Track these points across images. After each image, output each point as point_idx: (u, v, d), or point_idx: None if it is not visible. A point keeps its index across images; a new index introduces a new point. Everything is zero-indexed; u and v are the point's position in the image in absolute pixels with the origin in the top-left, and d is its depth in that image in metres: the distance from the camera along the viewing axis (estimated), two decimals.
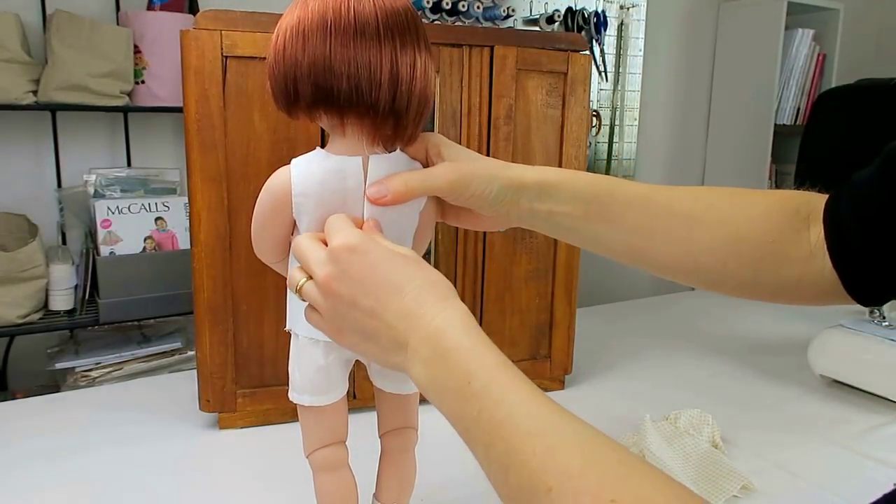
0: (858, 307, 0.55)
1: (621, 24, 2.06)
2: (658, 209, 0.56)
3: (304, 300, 0.49)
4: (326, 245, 0.48)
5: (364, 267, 0.45)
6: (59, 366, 1.31)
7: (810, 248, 0.53)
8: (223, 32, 0.82)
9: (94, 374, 1.31)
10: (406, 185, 0.52)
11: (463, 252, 0.97)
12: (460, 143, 0.93)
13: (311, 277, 0.48)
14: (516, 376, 0.41)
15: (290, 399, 0.58)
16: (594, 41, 1.99)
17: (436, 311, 0.44)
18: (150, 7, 1.44)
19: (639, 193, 0.56)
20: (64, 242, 1.45)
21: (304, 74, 0.49)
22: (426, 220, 0.58)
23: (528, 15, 1.91)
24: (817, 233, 0.53)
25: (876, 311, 1.11)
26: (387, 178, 0.52)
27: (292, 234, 0.56)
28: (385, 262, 0.46)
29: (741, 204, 0.56)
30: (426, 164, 0.56)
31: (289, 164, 0.53)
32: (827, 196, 0.55)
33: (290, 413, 0.94)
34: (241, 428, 0.92)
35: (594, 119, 2.05)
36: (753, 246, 0.54)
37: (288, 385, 0.58)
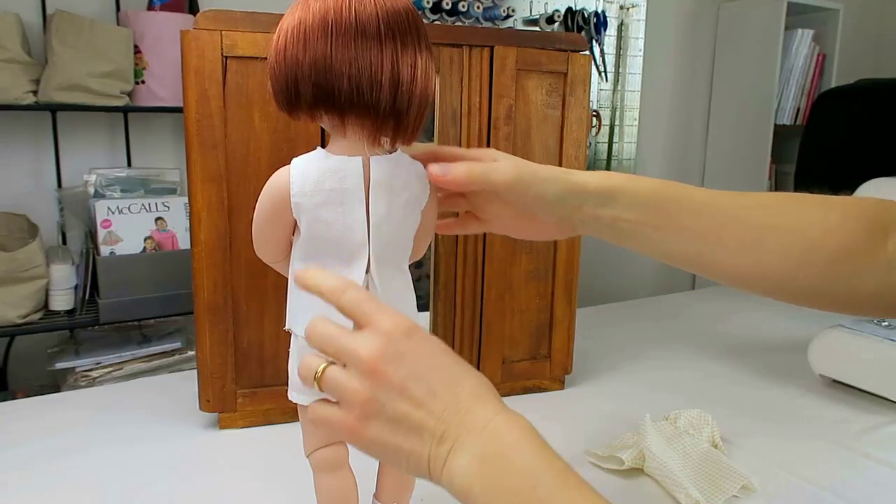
0: None
1: (621, 24, 2.06)
2: (725, 216, 0.54)
3: (322, 389, 0.44)
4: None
5: (423, 353, 0.42)
6: (59, 366, 1.31)
7: (888, 258, 0.51)
8: (223, 32, 0.82)
9: (94, 374, 1.31)
10: (468, 173, 0.52)
11: (463, 252, 0.97)
12: (460, 144, 0.94)
13: (331, 364, 0.44)
14: (584, 483, 0.39)
15: (290, 398, 0.58)
16: (594, 41, 1.99)
17: (496, 410, 0.41)
18: (150, 7, 1.44)
19: (705, 200, 0.55)
20: (64, 242, 1.45)
21: (305, 74, 0.49)
22: (428, 219, 0.58)
23: (528, 15, 1.91)
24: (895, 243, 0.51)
25: None
26: (450, 164, 0.53)
27: (293, 235, 0.56)
28: (442, 355, 0.43)
29: (815, 211, 0.54)
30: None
31: (289, 164, 0.53)
32: None
33: (290, 413, 0.94)
34: (241, 428, 0.92)
35: (594, 119, 2.05)
36: (828, 255, 0.51)
37: (288, 385, 0.58)
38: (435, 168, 0.52)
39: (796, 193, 0.56)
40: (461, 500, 0.40)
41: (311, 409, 0.45)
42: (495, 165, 0.54)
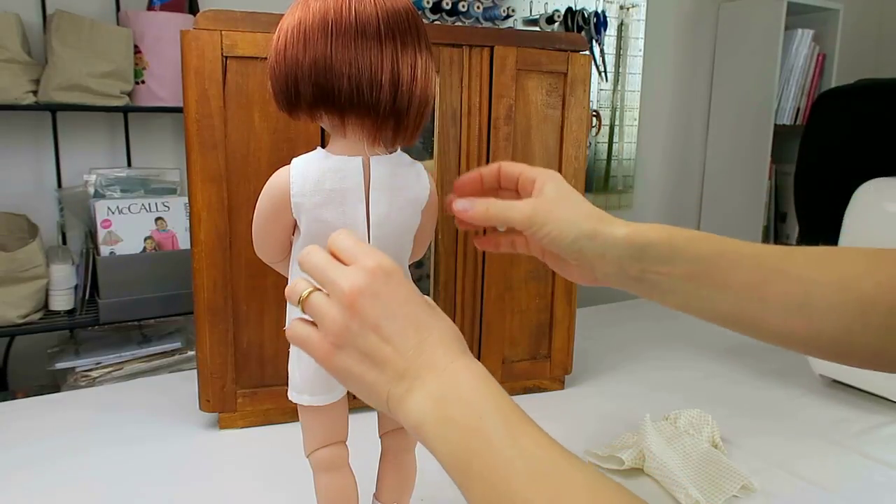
0: None
1: (621, 24, 2.06)
2: (770, 270, 0.51)
3: (304, 311, 0.47)
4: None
5: (398, 294, 0.45)
6: (59, 366, 1.31)
7: None
8: (223, 32, 0.82)
9: (94, 374, 1.31)
10: (487, 210, 0.54)
11: (463, 252, 0.97)
12: (460, 144, 0.94)
13: (316, 290, 0.46)
14: (528, 420, 0.41)
15: (290, 399, 0.58)
16: (594, 41, 1.99)
17: (457, 357, 0.44)
18: (150, 7, 1.44)
19: (748, 253, 0.52)
20: (64, 242, 1.45)
21: (305, 74, 0.49)
22: (427, 219, 0.58)
23: (528, 15, 1.91)
24: None
25: None
26: (473, 199, 0.55)
27: (293, 234, 0.56)
28: (417, 300, 0.46)
29: (866, 265, 0.51)
30: (519, 193, 0.58)
31: (290, 163, 0.53)
32: None
33: (290, 413, 0.94)
34: (241, 428, 0.92)
35: (594, 119, 2.05)
36: (884, 312, 0.48)
37: (288, 385, 0.58)
38: (459, 204, 0.55)
39: (850, 247, 0.53)
40: (413, 433, 0.43)
41: (290, 327, 0.47)
42: (515, 203, 0.55)
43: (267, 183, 0.54)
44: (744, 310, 0.52)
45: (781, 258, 0.52)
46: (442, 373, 0.43)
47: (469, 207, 0.55)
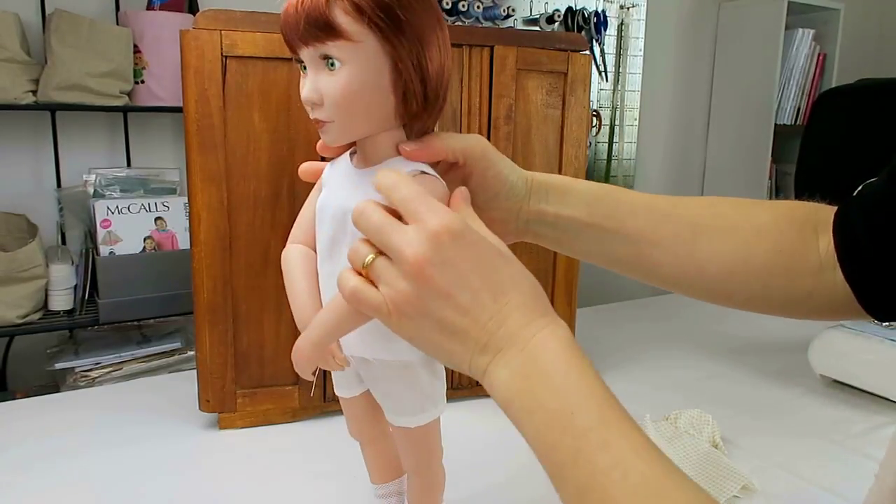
0: None
1: (621, 24, 2.06)
2: (662, 216, 0.54)
3: (367, 277, 0.43)
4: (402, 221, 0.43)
5: (468, 257, 0.41)
6: (59, 366, 1.31)
7: (820, 259, 0.51)
8: (223, 32, 0.82)
9: (94, 374, 1.31)
10: (444, 141, 0.50)
11: None
12: None
13: (381, 253, 0.42)
14: (625, 418, 0.39)
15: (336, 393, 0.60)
16: (594, 41, 1.98)
17: (540, 325, 0.42)
18: (150, 7, 1.44)
19: (643, 200, 0.55)
20: (64, 242, 1.45)
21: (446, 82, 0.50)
22: None
23: (528, 15, 1.91)
24: (826, 243, 0.51)
25: None
26: (424, 138, 0.51)
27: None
28: (490, 260, 0.43)
29: (748, 213, 0.54)
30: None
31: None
32: (835, 207, 0.53)
33: (289, 413, 0.94)
34: (241, 428, 0.92)
35: (594, 119, 2.05)
36: (762, 257, 0.52)
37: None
38: (409, 146, 0.49)
39: (734, 198, 0.56)
40: (501, 407, 0.41)
41: (353, 289, 0.43)
42: (468, 135, 0.53)
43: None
44: (638, 254, 0.55)
45: (673, 205, 0.55)
46: (525, 346, 0.40)
47: (422, 146, 0.49)
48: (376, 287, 0.42)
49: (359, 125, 0.48)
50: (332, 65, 0.45)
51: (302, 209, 0.55)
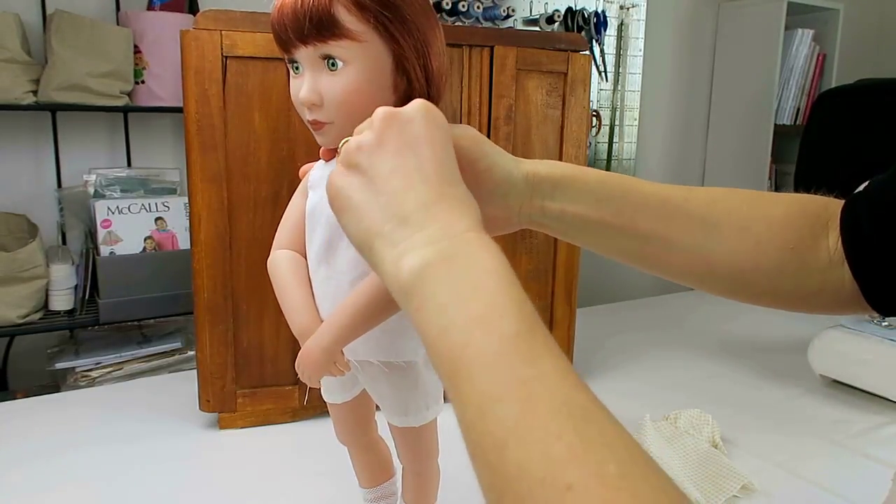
0: None
1: (621, 24, 2.06)
2: (674, 211, 0.53)
3: (339, 152, 0.42)
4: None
5: (434, 134, 0.40)
6: (59, 366, 1.31)
7: (829, 255, 0.50)
8: (223, 32, 0.82)
9: (94, 374, 1.31)
10: None
11: None
12: None
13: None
14: (551, 339, 0.34)
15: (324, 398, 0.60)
16: (594, 41, 1.98)
17: (477, 227, 0.37)
18: (150, 7, 1.44)
19: (654, 193, 0.53)
20: (64, 242, 1.45)
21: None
22: None
23: (528, 15, 1.91)
24: (835, 239, 0.50)
25: None
26: None
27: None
28: (452, 154, 0.41)
29: (760, 208, 0.53)
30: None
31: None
32: (843, 202, 0.52)
33: (289, 413, 0.94)
34: (241, 428, 0.92)
35: (594, 119, 2.05)
36: (773, 252, 0.51)
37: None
38: None
39: (746, 190, 0.55)
40: (400, 293, 0.36)
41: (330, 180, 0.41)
42: (458, 125, 0.50)
43: None
44: (648, 249, 0.53)
45: (685, 199, 0.53)
46: (455, 235, 0.36)
47: None
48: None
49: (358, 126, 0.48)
50: (334, 65, 0.44)
51: (286, 214, 0.54)
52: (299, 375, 0.50)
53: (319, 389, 0.58)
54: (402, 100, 0.47)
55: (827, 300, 0.52)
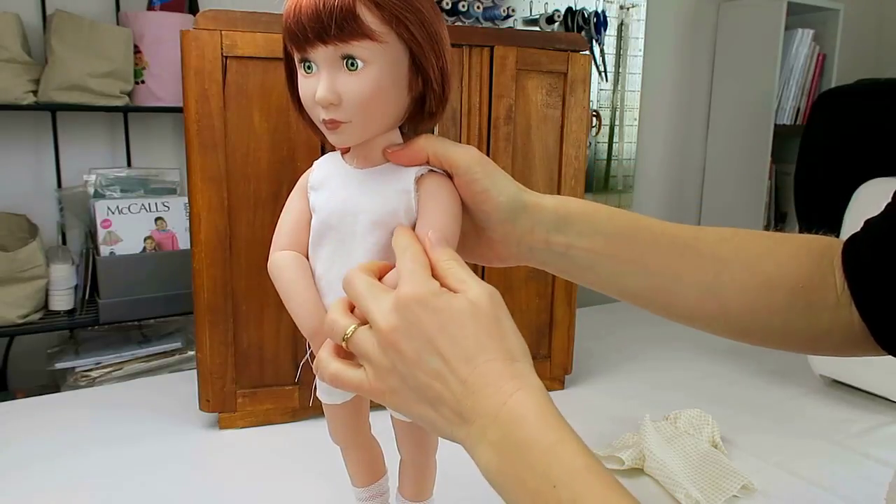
0: None
1: (621, 24, 2.06)
2: (684, 249, 0.52)
3: (348, 349, 0.44)
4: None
5: (435, 322, 0.41)
6: (59, 366, 1.31)
7: (837, 295, 0.50)
8: (223, 32, 0.82)
9: (94, 374, 1.31)
10: (424, 147, 0.48)
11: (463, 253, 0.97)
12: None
13: (364, 323, 0.43)
14: (608, 484, 0.37)
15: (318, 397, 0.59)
16: (594, 41, 1.98)
17: (509, 391, 0.40)
18: (150, 7, 1.44)
19: (663, 231, 0.53)
20: (64, 242, 1.45)
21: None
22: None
23: (528, 15, 1.91)
24: (841, 279, 0.50)
25: None
26: (408, 142, 0.49)
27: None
28: (460, 322, 0.41)
29: (769, 246, 0.52)
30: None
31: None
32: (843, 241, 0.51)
33: (289, 413, 0.94)
34: (241, 428, 0.92)
35: (594, 119, 2.05)
36: (783, 290, 0.50)
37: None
38: (391, 146, 0.48)
39: (755, 230, 0.54)
40: (487, 481, 0.41)
41: (334, 372, 0.44)
42: (457, 145, 0.49)
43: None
44: (658, 288, 0.53)
45: (695, 238, 0.52)
46: (497, 416, 0.39)
47: (403, 148, 0.48)
48: (358, 360, 0.43)
49: (376, 125, 0.47)
50: (353, 65, 0.43)
51: (283, 215, 0.54)
52: (319, 377, 0.49)
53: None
54: (417, 100, 0.47)
55: (838, 340, 0.51)
